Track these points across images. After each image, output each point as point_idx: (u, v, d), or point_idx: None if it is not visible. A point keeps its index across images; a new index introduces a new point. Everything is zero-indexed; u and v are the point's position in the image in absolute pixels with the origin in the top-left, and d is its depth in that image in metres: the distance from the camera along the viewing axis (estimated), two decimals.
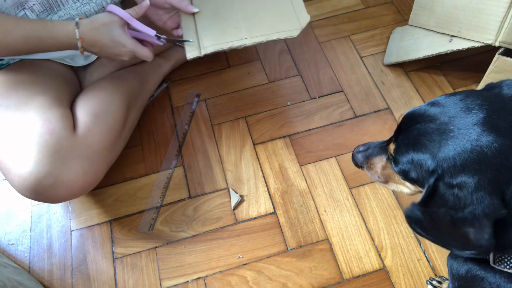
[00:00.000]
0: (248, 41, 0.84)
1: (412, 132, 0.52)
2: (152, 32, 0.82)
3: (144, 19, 0.92)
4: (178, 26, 0.90)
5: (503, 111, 0.47)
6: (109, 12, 0.80)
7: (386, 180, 0.62)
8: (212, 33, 0.86)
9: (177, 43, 0.87)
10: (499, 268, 0.50)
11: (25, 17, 0.83)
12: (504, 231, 0.47)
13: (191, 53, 0.84)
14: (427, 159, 0.49)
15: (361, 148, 0.64)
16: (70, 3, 0.87)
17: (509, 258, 0.50)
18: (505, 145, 0.44)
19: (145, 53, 0.83)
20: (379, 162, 0.61)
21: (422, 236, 0.54)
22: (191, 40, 0.84)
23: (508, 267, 0.49)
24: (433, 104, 0.52)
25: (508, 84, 0.51)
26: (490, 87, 0.53)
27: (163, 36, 0.84)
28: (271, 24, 0.86)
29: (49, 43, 0.78)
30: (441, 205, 0.48)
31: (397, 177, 0.57)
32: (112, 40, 0.79)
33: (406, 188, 0.58)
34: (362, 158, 0.64)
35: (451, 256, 0.59)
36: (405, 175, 0.53)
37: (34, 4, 0.82)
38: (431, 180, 0.48)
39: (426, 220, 0.51)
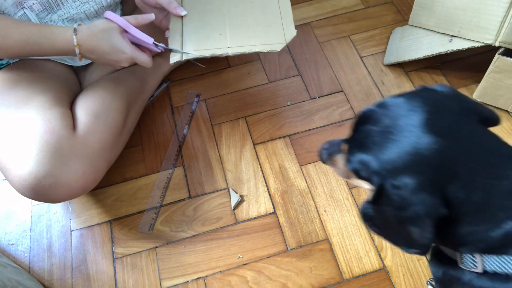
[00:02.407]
0: (230, 51, 0.82)
1: (360, 133, 0.54)
2: (150, 40, 0.82)
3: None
4: None
5: (442, 112, 0.48)
6: (107, 19, 0.80)
7: (348, 176, 0.63)
8: (196, 38, 0.84)
9: (171, 51, 0.85)
10: (465, 268, 0.51)
11: (25, 16, 0.83)
12: (452, 229, 0.49)
13: (173, 57, 0.83)
14: (371, 161, 0.50)
15: (326, 146, 0.67)
16: (70, 2, 0.87)
17: (467, 256, 0.50)
18: (444, 146, 0.46)
19: (144, 59, 0.82)
20: (340, 159, 0.63)
21: (376, 233, 0.55)
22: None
23: (472, 266, 0.50)
24: (380, 105, 0.53)
25: (439, 85, 0.53)
26: (424, 88, 0.54)
27: (161, 44, 0.83)
28: (256, 35, 0.85)
29: (47, 48, 0.78)
30: (388, 204, 0.49)
31: None
32: (111, 47, 0.78)
33: (365, 184, 0.59)
34: (326, 155, 0.66)
35: (430, 262, 0.59)
36: (357, 174, 0.54)
37: (33, 4, 0.82)
38: (377, 181, 0.49)
39: (377, 217, 0.53)
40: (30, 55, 0.81)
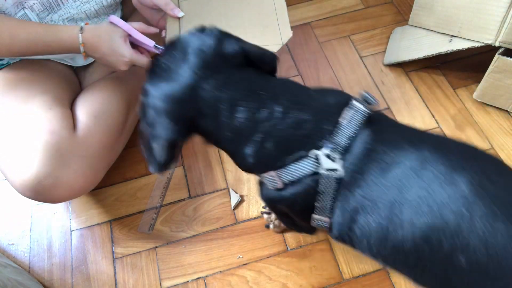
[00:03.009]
0: None
1: (155, 64, 0.64)
2: (151, 43, 0.83)
3: (140, 17, 0.93)
4: None
5: (204, 56, 0.60)
6: (111, 23, 0.81)
7: None
8: None
9: None
10: (272, 187, 0.60)
11: (25, 16, 0.83)
12: (239, 158, 0.61)
13: None
14: (147, 86, 0.62)
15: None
16: (70, 2, 0.87)
17: (266, 176, 0.59)
18: (195, 82, 0.58)
19: (144, 61, 0.84)
20: None
21: (143, 146, 0.64)
22: None
23: (273, 183, 0.59)
24: (174, 42, 0.63)
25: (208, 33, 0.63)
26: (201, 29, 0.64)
27: (162, 47, 0.84)
28: (253, 36, 0.84)
29: (53, 47, 0.80)
30: (145, 120, 0.61)
31: None
32: (112, 49, 0.80)
33: None
34: None
35: (260, 192, 0.66)
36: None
37: (34, 4, 0.82)
38: (142, 99, 0.62)
39: (145, 134, 0.62)
40: (36, 54, 0.82)
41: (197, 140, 1.07)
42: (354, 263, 0.87)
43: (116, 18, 0.82)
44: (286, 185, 0.58)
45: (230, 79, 0.59)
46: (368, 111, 0.57)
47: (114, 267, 0.91)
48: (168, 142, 0.58)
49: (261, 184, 0.64)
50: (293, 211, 0.63)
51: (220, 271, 0.89)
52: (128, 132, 0.98)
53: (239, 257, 0.90)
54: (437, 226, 0.47)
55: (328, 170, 0.54)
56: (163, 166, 0.60)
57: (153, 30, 0.85)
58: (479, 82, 1.04)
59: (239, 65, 0.61)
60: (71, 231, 0.97)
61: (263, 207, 0.94)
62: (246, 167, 0.62)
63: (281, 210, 0.65)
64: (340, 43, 1.25)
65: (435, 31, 1.09)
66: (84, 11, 0.89)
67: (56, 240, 0.96)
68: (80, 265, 0.92)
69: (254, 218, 0.95)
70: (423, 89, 1.13)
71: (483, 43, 0.98)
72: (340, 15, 1.32)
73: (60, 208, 1.00)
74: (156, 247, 0.93)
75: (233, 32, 0.86)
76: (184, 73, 0.58)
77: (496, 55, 0.95)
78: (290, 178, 0.57)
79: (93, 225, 0.97)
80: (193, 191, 1.00)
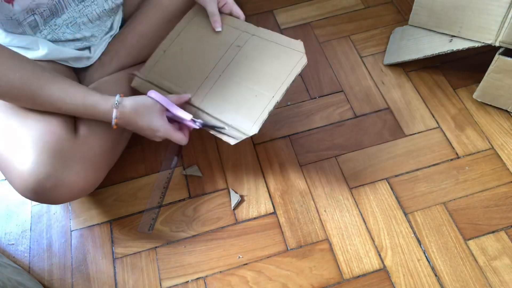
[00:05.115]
0: (277, 97, 0.85)
1: None
2: (188, 116, 0.85)
3: None
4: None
5: None
6: (150, 97, 0.83)
7: None
8: (245, 112, 0.86)
9: (213, 129, 0.87)
10: None
11: (34, 22, 0.84)
12: None
13: (233, 140, 0.84)
14: None
15: None
16: (73, 5, 0.88)
17: None
18: None
19: (178, 137, 0.85)
20: None
21: None
22: (226, 128, 0.85)
23: None
24: None
25: None
26: None
27: (199, 120, 0.86)
28: (279, 71, 0.88)
29: (85, 116, 0.80)
30: None
31: None
32: (148, 125, 0.82)
33: None
34: None
35: None
36: None
37: (44, 10, 0.83)
38: None
39: None
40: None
41: (196, 140, 1.08)
42: (354, 263, 0.87)
43: (154, 93, 0.83)
44: None
45: None
46: None
47: (114, 267, 0.91)
48: None
49: None
50: None
51: (220, 271, 0.89)
52: (129, 133, 0.98)
53: (239, 257, 0.90)
54: None
55: None
56: None
57: (186, 97, 0.89)
58: (479, 82, 1.04)
59: None
60: (71, 231, 0.97)
61: None
62: None
63: None
64: (340, 43, 1.25)
65: (435, 31, 1.09)
66: (86, 15, 0.90)
67: (56, 240, 0.96)
68: (80, 265, 0.92)
69: (254, 218, 0.95)
70: (423, 89, 1.13)
71: (483, 43, 0.98)
72: (340, 15, 1.32)
73: (60, 208, 1.00)
74: (156, 247, 0.93)
75: (262, 84, 0.87)
76: None
77: (496, 55, 0.95)
78: None
79: (93, 225, 0.97)
80: (193, 191, 1.00)
